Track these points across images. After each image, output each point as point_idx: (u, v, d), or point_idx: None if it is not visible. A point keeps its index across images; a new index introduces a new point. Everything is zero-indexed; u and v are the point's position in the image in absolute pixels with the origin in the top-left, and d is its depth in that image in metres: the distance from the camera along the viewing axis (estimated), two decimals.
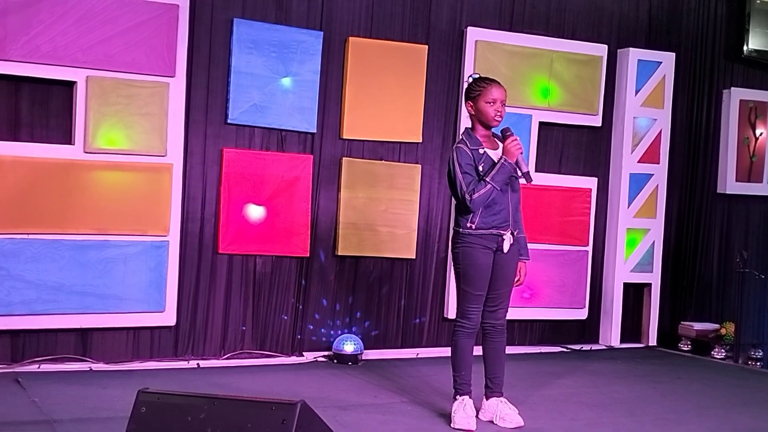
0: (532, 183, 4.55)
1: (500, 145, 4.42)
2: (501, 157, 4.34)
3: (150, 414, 3.21)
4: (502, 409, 4.45)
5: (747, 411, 5.07)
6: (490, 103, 4.38)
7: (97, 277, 5.34)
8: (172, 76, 5.49)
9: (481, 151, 4.38)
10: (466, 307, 4.43)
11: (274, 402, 3.17)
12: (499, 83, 4.44)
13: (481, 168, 4.34)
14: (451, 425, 4.38)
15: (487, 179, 4.30)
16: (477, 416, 4.46)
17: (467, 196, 4.30)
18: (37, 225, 5.18)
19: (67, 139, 5.31)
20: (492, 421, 4.46)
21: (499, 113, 4.39)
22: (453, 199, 4.54)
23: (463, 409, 4.38)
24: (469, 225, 4.38)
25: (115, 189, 5.38)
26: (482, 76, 4.52)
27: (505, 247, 4.40)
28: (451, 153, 4.43)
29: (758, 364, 6.80)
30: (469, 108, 4.47)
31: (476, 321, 4.45)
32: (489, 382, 4.53)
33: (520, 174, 4.42)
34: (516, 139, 4.36)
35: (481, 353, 4.56)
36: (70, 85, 5.30)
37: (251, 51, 5.73)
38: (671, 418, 4.78)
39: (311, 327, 6.08)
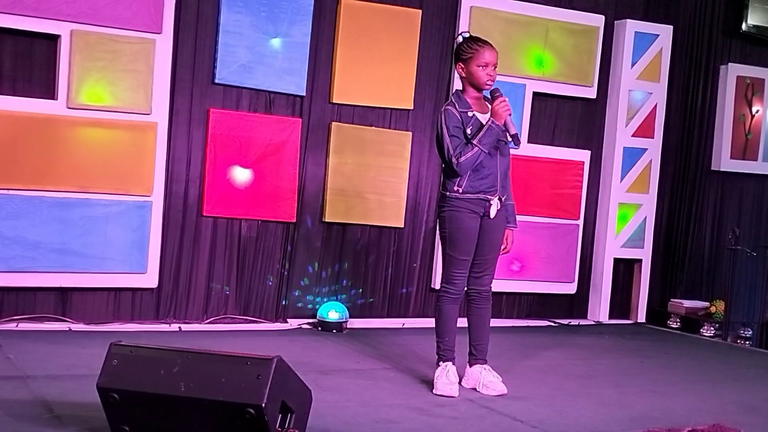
0: (518, 146, 4.42)
1: (490, 107, 4.32)
2: (489, 119, 4.25)
3: (122, 367, 3.14)
4: (485, 377, 4.38)
5: (734, 386, 5.01)
6: (482, 66, 4.28)
7: (78, 235, 5.24)
8: (158, 33, 5.37)
9: (470, 113, 4.29)
10: (451, 272, 4.35)
11: (250, 357, 3.10)
12: (491, 45, 4.33)
13: (469, 131, 4.24)
14: (433, 391, 4.30)
15: (474, 142, 4.21)
16: (460, 383, 4.38)
17: (454, 160, 4.22)
18: (17, 180, 5.07)
19: (50, 93, 5.20)
20: (475, 389, 4.38)
21: (491, 77, 4.29)
22: (442, 163, 4.44)
23: (445, 375, 4.30)
24: (456, 188, 4.29)
25: (98, 146, 5.27)
26: (473, 35, 4.40)
27: (492, 212, 4.32)
28: (438, 115, 4.34)
29: (747, 342, 6.75)
30: (460, 70, 4.36)
31: (461, 287, 4.36)
32: (473, 349, 4.45)
33: (508, 137, 4.33)
34: (504, 100, 4.25)
35: (466, 322, 4.48)
36: (54, 39, 5.18)
37: (240, 9, 5.61)
38: (657, 391, 4.72)
39: (296, 294, 6.00)
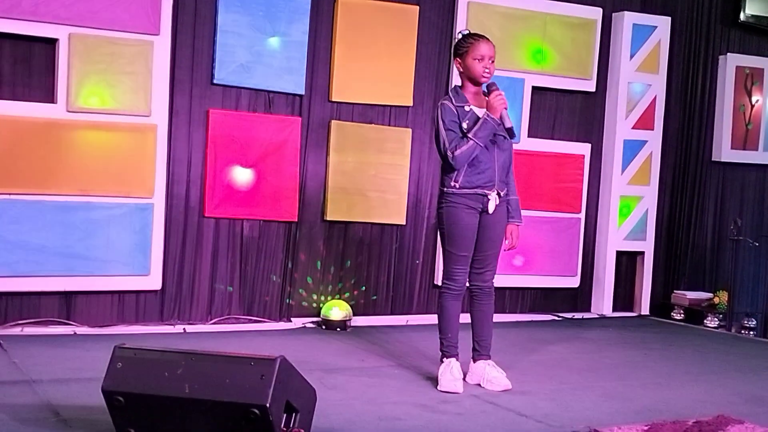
0: (514, 139, 4.39)
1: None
2: (484, 113, 4.25)
3: (126, 369, 3.15)
4: (489, 372, 4.38)
5: (739, 377, 5.01)
6: (477, 59, 4.29)
7: (81, 239, 5.25)
8: (156, 34, 5.37)
9: (466, 108, 4.30)
10: (452, 269, 4.35)
11: (253, 357, 3.11)
12: (487, 39, 4.35)
13: (465, 125, 4.25)
14: (438, 388, 4.31)
15: (470, 135, 4.22)
16: (464, 379, 4.39)
17: (449, 153, 4.25)
18: (18, 185, 5.08)
19: (50, 97, 5.20)
20: (479, 384, 4.39)
21: (487, 70, 4.30)
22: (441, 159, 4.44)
23: (449, 372, 4.31)
24: (452, 184, 4.31)
25: (98, 149, 5.28)
26: (472, 32, 4.42)
27: (490, 208, 4.32)
28: (436, 110, 4.36)
29: (751, 333, 6.74)
30: (458, 65, 4.39)
31: (462, 283, 4.37)
32: (476, 345, 4.46)
33: (504, 131, 4.33)
34: (500, 94, 4.25)
35: (469, 318, 4.49)
36: (52, 43, 5.18)
37: (238, 9, 5.61)
38: (661, 383, 4.72)
39: (299, 293, 6.01)
